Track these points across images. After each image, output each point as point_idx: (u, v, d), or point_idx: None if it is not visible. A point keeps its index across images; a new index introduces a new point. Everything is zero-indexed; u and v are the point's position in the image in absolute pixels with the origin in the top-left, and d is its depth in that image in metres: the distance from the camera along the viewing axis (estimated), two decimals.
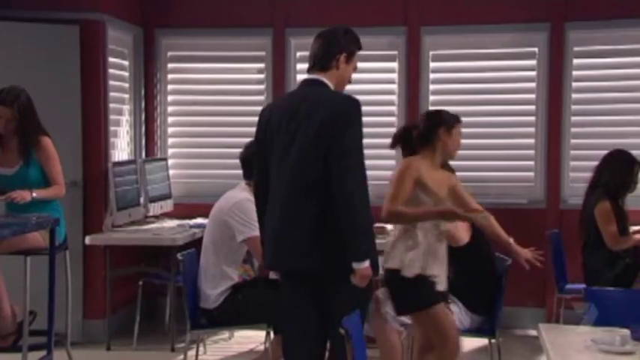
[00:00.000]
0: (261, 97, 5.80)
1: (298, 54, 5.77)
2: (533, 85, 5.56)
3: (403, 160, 3.60)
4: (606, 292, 3.18)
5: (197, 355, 4.31)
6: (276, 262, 3.02)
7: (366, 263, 2.78)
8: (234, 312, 3.86)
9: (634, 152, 4.52)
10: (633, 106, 5.43)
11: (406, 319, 3.80)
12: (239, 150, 4.10)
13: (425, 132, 3.56)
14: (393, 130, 5.59)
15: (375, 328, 4.04)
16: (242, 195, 3.91)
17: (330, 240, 2.80)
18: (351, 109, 2.88)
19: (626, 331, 2.48)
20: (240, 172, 4.08)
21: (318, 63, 2.99)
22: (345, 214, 2.75)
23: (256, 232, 3.79)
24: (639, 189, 4.61)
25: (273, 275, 3.82)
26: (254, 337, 4.92)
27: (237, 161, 4.08)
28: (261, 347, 4.70)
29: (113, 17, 5.27)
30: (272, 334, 4.00)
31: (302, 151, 2.84)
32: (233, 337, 5.14)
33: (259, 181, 3.08)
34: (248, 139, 4.15)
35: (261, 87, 5.81)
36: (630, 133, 5.35)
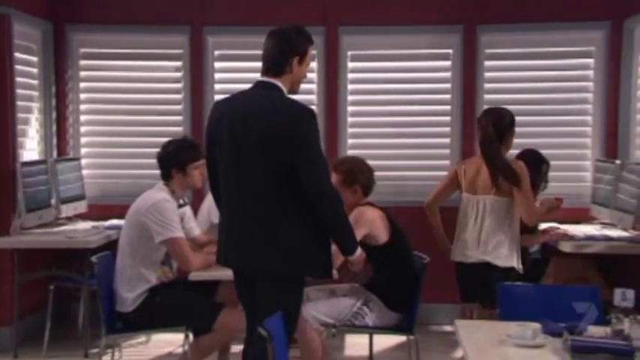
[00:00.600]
0: (179, 96, 5.70)
1: (216, 52, 5.70)
2: (448, 85, 5.68)
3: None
4: (517, 287, 3.26)
5: None
6: (229, 262, 3.13)
7: (358, 252, 3.16)
8: (152, 315, 3.77)
9: (544, 152, 4.67)
10: (542, 107, 5.62)
11: (328, 319, 3.81)
12: (156, 150, 4.01)
13: None
14: None
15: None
16: (160, 195, 3.82)
17: (287, 241, 2.95)
18: (304, 117, 2.93)
19: (537, 325, 2.56)
20: (157, 172, 3.98)
21: (272, 68, 3.01)
22: (331, 216, 2.96)
23: (176, 234, 3.72)
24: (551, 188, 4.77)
25: (193, 277, 3.76)
26: (172, 341, 4.82)
27: (154, 161, 3.98)
28: (180, 350, 4.61)
29: (19, 11, 5.05)
30: (191, 337, 3.92)
31: (252, 157, 2.93)
32: (150, 341, 5.03)
33: (210, 182, 3.17)
34: (165, 139, 4.07)
35: (179, 85, 5.71)
36: (540, 133, 5.53)
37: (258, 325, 2.60)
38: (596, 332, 2.53)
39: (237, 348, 4.57)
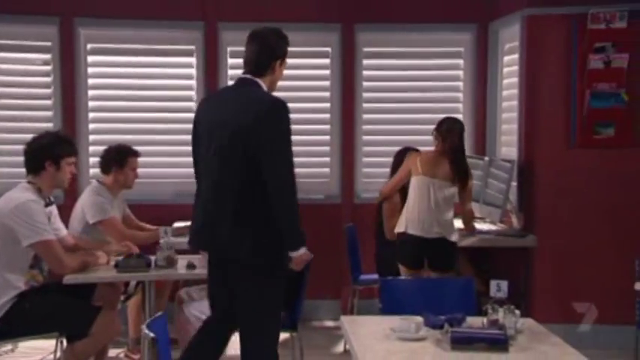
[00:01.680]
0: (48, 91, 5.42)
1: (89, 46, 5.47)
2: (327, 83, 5.75)
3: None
4: (398, 281, 3.35)
5: None
6: (201, 247, 3.29)
7: (302, 250, 3.08)
8: (21, 322, 3.54)
9: (422, 149, 4.82)
10: (417, 105, 5.79)
11: None
12: (21, 147, 3.75)
13: None
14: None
15: (178, 329, 3.95)
16: (25, 196, 3.57)
17: (258, 233, 3.04)
18: (277, 110, 3.05)
19: (419, 318, 2.63)
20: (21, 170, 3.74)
21: (254, 69, 3.16)
22: (281, 208, 3.00)
23: (47, 236, 3.52)
24: None
25: (68, 280, 3.57)
26: (43, 347, 4.55)
27: (11, 159, 3.72)
28: (51, 357, 4.37)
29: None
30: (64, 343, 3.72)
31: (227, 150, 3.04)
32: (17, 349, 4.73)
33: (195, 173, 3.28)
34: (32, 135, 3.83)
35: (47, 79, 5.42)
36: (414, 130, 5.69)
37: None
38: (474, 323, 2.64)
39: (113, 352, 4.42)
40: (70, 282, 3.56)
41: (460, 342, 2.42)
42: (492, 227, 5.10)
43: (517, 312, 2.61)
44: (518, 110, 5.14)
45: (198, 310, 3.77)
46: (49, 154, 3.64)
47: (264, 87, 3.14)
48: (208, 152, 3.11)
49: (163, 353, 2.37)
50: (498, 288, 2.59)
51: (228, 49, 5.63)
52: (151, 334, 2.37)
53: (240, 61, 5.48)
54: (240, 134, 3.00)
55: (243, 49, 5.49)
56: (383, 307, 3.25)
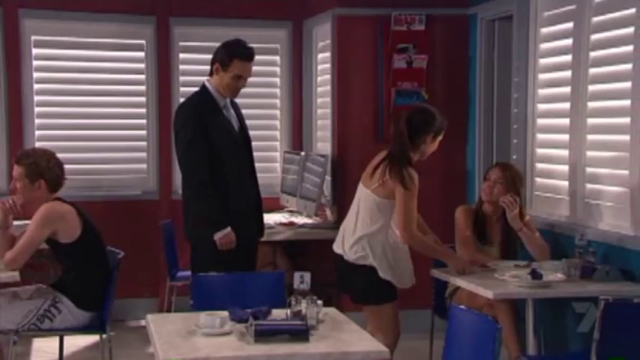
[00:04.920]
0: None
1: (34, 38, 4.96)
2: (142, 77, 5.62)
3: None
4: (209, 277, 3.35)
5: None
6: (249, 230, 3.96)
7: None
8: None
9: None
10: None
11: (9, 325, 3.55)
12: None
13: None
14: None
15: None
16: None
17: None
18: (177, 112, 3.92)
19: (225, 313, 2.65)
20: None
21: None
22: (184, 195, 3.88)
23: None
24: None
25: None
26: None
27: None
28: None
29: None
30: None
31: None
32: None
33: (206, 165, 3.80)
34: None
35: None
36: None
37: None
38: (278, 315, 2.71)
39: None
40: None
41: (263, 334, 2.47)
42: (308, 220, 5.25)
43: (319, 302, 2.70)
44: (330, 107, 5.32)
45: None
46: None
47: (209, 87, 3.85)
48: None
49: None
50: (302, 280, 2.67)
51: (180, 44, 5.51)
52: None
53: (193, 56, 5.38)
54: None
55: (194, 44, 5.36)
56: (194, 303, 3.24)
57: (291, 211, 5.55)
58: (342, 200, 5.17)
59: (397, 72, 5.09)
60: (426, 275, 3.85)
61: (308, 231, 5.05)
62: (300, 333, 2.49)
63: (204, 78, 5.69)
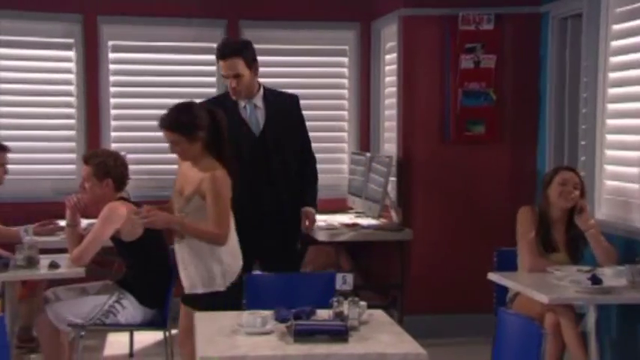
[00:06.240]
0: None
1: None
2: (214, 79, 5.73)
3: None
4: (262, 276, 3.39)
5: None
6: None
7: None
8: None
9: None
10: (308, 102, 5.84)
11: (76, 320, 3.70)
12: None
13: None
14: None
15: (39, 329, 3.87)
16: None
17: None
18: None
19: (267, 313, 2.67)
20: None
21: None
22: None
23: None
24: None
25: None
26: None
27: None
28: None
29: None
30: None
31: None
32: None
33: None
34: None
35: None
36: None
37: None
38: (321, 315, 2.72)
39: None
40: None
41: (302, 334, 2.48)
42: (373, 222, 5.22)
43: (362, 304, 2.69)
44: (396, 107, 5.28)
45: (63, 310, 3.70)
46: None
47: None
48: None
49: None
50: (344, 281, 2.67)
51: (110, 43, 5.55)
52: None
53: (121, 55, 5.57)
54: None
55: (124, 42, 5.54)
56: (247, 302, 3.29)
57: (357, 213, 5.54)
58: (407, 201, 5.14)
59: (464, 72, 5.00)
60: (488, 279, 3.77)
61: (371, 232, 5.02)
62: (339, 334, 2.48)
63: (276, 80, 5.82)
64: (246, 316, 2.63)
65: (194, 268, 3.20)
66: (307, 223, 3.86)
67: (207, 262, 3.18)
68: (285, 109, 3.85)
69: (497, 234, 4.46)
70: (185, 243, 3.21)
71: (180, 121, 3.12)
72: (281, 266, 3.69)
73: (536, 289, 3.27)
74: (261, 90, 3.80)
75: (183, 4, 5.57)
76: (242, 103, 3.73)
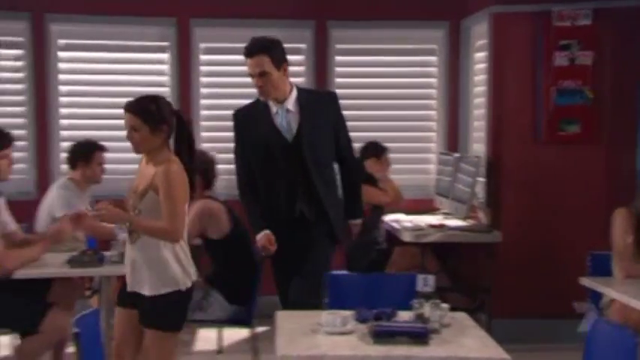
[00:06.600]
0: (20, 87, 5.48)
1: (59, 42, 5.53)
2: (302, 80, 5.75)
3: None
4: (345, 276, 3.38)
5: None
6: None
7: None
8: None
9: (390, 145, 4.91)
10: (389, 102, 5.82)
11: None
12: None
13: None
14: None
15: None
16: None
17: None
18: None
19: (347, 313, 2.66)
20: None
21: None
22: None
23: None
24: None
25: (19, 275, 3.59)
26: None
27: None
28: (6, 353, 4.35)
29: None
30: (19, 340, 3.73)
31: None
32: None
33: None
34: None
35: (19, 75, 5.47)
36: (386, 127, 5.73)
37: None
38: (402, 317, 2.68)
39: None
40: (20, 277, 3.57)
41: (382, 335, 2.45)
42: (461, 223, 5.12)
43: (444, 306, 2.63)
44: (485, 107, 5.16)
45: None
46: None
47: None
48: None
49: (86, 350, 2.40)
50: (425, 282, 2.62)
51: (201, 45, 5.67)
52: (75, 330, 2.41)
53: (213, 57, 5.70)
54: None
55: (216, 45, 5.66)
56: (329, 301, 3.29)
57: (445, 213, 5.44)
58: (496, 203, 5.01)
59: (558, 70, 4.82)
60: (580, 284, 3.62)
61: (459, 234, 4.92)
62: (419, 336, 2.44)
63: (359, 80, 5.84)
64: (326, 316, 2.62)
65: (146, 270, 2.95)
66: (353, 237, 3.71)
67: (160, 263, 2.93)
68: (320, 109, 3.57)
69: (591, 237, 4.29)
70: (139, 244, 2.97)
71: (148, 109, 2.97)
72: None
73: (633, 296, 3.11)
74: (294, 92, 3.56)
75: (271, 6, 5.63)
76: (274, 109, 3.52)
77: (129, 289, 3.02)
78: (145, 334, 2.96)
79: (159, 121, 2.97)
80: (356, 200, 3.68)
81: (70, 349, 3.94)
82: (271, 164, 3.50)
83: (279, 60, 3.48)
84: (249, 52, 3.46)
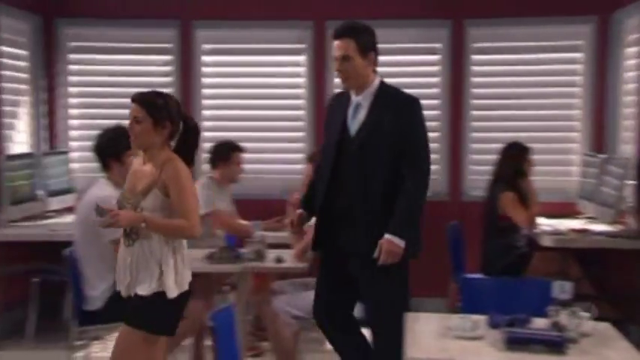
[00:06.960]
0: (168, 90, 5.75)
1: (204, 46, 5.77)
2: (437, 80, 5.67)
3: None
4: (479, 280, 3.27)
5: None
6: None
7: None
8: (117, 307, 3.71)
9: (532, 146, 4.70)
10: (530, 102, 5.60)
11: (300, 313, 3.84)
12: None
13: None
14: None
15: (267, 320, 4.07)
16: (105, 192, 3.58)
17: None
18: None
19: (477, 317, 2.57)
20: None
21: None
22: None
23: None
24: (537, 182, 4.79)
25: None
26: None
27: None
28: None
29: (7, 5, 5.13)
30: None
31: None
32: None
33: None
34: None
35: (168, 79, 5.77)
36: (526, 127, 5.52)
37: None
38: (537, 324, 2.55)
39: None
40: None
41: (515, 342, 2.34)
42: (607, 228, 4.82)
43: (583, 314, 2.48)
44: (636, 105, 4.82)
45: (289, 303, 3.86)
46: (110, 151, 3.69)
47: None
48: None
49: (222, 343, 2.46)
50: (562, 289, 2.48)
51: (473, 45, 5.61)
52: (210, 324, 2.48)
53: (485, 57, 5.54)
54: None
55: (487, 44, 5.55)
56: (463, 305, 3.19)
57: (588, 218, 5.15)
58: None
59: None
60: None
61: (605, 239, 4.62)
62: (555, 345, 2.31)
63: (497, 79, 5.65)
64: (455, 320, 2.55)
65: (145, 271, 2.85)
66: (376, 254, 3.09)
67: (156, 267, 2.84)
68: (390, 112, 3.19)
69: None
70: (138, 245, 2.87)
71: (154, 102, 2.89)
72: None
73: None
74: (374, 86, 3.24)
75: (407, 6, 5.57)
76: (354, 101, 3.26)
77: (124, 295, 2.94)
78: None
79: (163, 116, 2.89)
80: (400, 214, 3.18)
81: (208, 341, 4.11)
82: (327, 154, 3.29)
83: (366, 47, 3.19)
84: (337, 34, 3.22)
